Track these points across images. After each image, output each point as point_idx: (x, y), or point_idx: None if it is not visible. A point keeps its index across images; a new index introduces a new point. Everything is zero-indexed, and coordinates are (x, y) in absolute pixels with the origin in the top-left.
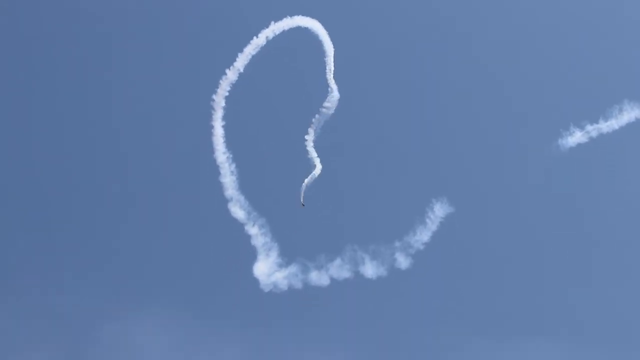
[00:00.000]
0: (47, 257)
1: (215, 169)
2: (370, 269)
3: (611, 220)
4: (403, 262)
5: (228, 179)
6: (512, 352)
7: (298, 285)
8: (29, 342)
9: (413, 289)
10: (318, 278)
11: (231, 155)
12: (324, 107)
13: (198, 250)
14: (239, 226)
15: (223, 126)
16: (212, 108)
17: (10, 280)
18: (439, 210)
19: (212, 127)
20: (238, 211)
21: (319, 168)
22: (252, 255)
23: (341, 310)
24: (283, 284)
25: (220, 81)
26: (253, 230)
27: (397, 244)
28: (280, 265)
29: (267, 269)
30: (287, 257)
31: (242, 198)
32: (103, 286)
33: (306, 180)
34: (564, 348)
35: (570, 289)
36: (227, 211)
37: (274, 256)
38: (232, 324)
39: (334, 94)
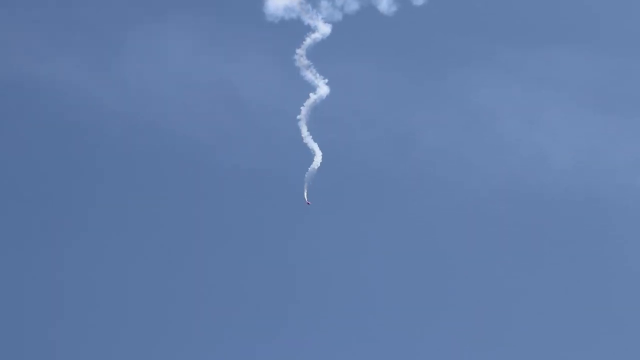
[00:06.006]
0: None
1: None
2: (383, 3)
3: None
4: None
5: None
6: (536, 61)
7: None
8: (57, 50)
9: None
10: (329, 13)
11: None
12: None
13: None
14: None
15: None
16: None
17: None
18: None
19: None
20: None
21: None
22: None
23: (353, 41)
24: (293, 14)
25: None
26: None
27: None
28: None
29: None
30: None
31: None
32: None
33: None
34: (585, 55)
35: None
36: None
37: None
38: (253, 36)
39: None
